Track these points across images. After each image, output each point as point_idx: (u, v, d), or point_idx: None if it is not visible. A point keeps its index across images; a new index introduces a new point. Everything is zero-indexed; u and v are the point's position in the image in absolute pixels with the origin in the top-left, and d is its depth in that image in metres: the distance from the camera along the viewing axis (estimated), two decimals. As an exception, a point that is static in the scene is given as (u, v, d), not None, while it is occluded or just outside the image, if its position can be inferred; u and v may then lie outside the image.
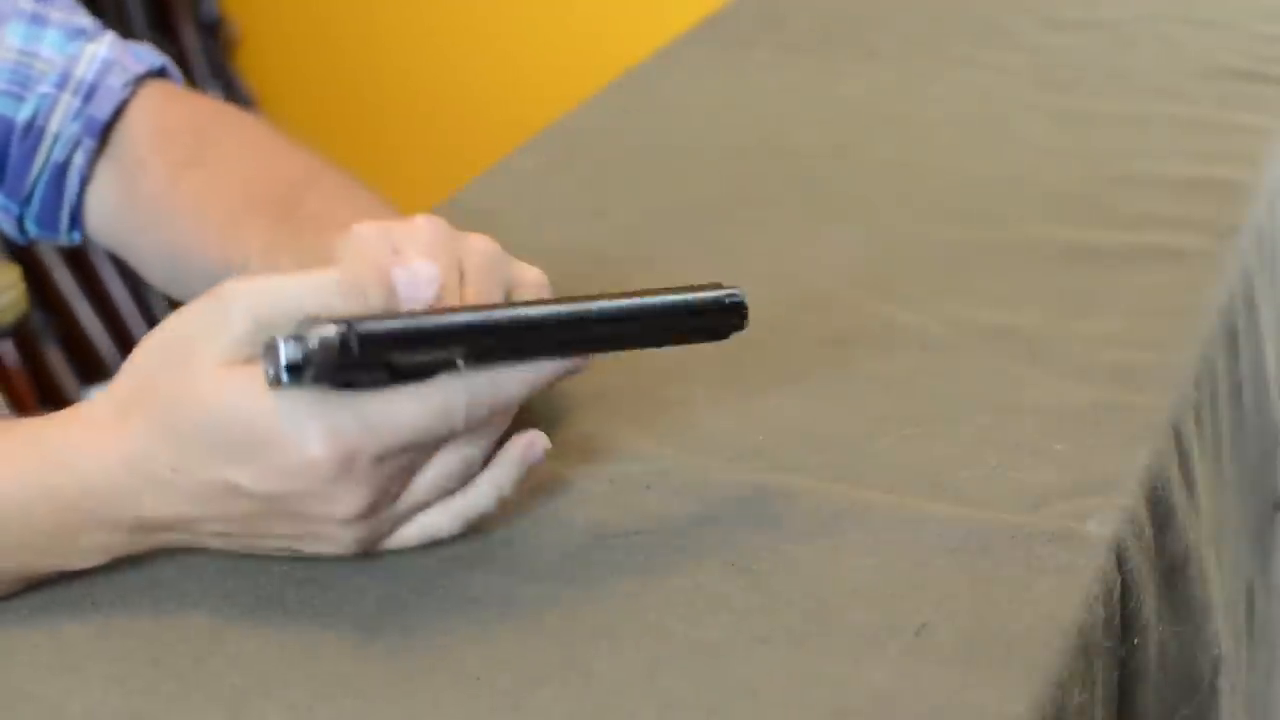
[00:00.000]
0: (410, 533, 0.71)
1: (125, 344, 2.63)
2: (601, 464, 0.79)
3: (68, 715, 0.64)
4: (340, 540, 0.69)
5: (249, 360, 0.65)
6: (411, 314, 0.68)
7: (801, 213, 1.12)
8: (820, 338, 0.93)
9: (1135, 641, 0.76)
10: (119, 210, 0.98)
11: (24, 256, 2.49)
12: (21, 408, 2.39)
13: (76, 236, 0.99)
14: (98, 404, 0.69)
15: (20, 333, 2.43)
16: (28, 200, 0.97)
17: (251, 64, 2.93)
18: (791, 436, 0.82)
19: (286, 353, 0.63)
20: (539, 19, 2.74)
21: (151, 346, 0.68)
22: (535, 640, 0.67)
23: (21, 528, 0.68)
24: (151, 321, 2.66)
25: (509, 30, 2.76)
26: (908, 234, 1.07)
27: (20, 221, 0.99)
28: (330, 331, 0.63)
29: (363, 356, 0.64)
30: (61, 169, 0.96)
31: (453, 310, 0.69)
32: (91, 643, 0.68)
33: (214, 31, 2.85)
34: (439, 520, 0.71)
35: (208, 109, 1.01)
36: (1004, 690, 0.64)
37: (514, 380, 0.69)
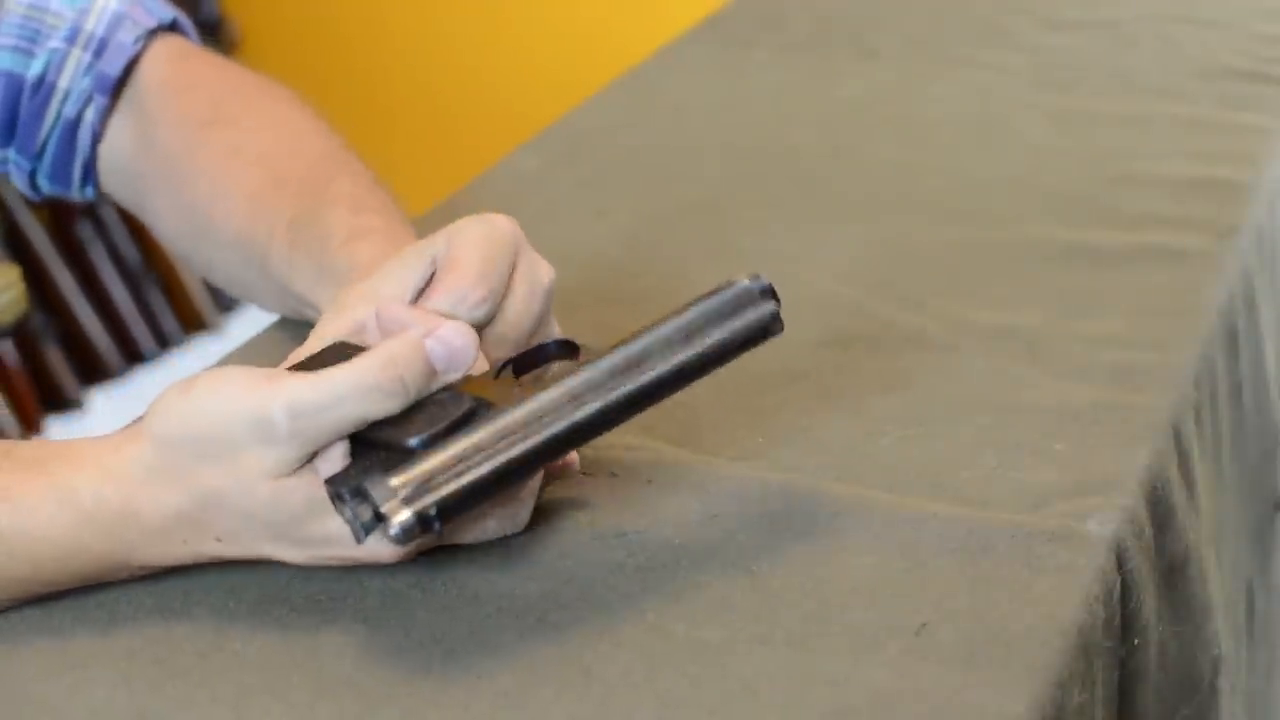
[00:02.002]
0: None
1: (125, 344, 2.63)
2: (602, 463, 0.79)
3: (72, 714, 0.64)
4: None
5: (295, 471, 0.67)
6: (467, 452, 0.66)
7: (801, 213, 1.12)
8: (820, 338, 0.93)
9: (1135, 641, 0.76)
10: (134, 166, 0.97)
11: (24, 257, 2.49)
12: (21, 408, 2.39)
13: (90, 192, 0.99)
14: (131, 463, 0.68)
15: (20, 333, 2.43)
16: (39, 155, 0.97)
17: (251, 64, 2.92)
18: (791, 436, 0.82)
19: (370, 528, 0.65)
20: (540, 19, 2.74)
21: (188, 430, 0.67)
22: (536, 640, 0.67)
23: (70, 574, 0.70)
24: (152, 322, 2.66)
25: (509, 30, 2.76)
26: (908, 234, 1.07)
27: (33, 177, 0.98)
28: (408, 517, 0.64)
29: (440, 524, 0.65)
30: (73, 125, 0.96)
31: (506, 435, 0.67)
32: (96, 641, 0.68)
33: (214, 31, 2.85)
34: None
35: (222, 67, 1.00)
36: (1004, 690, 0.64)
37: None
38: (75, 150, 0.96)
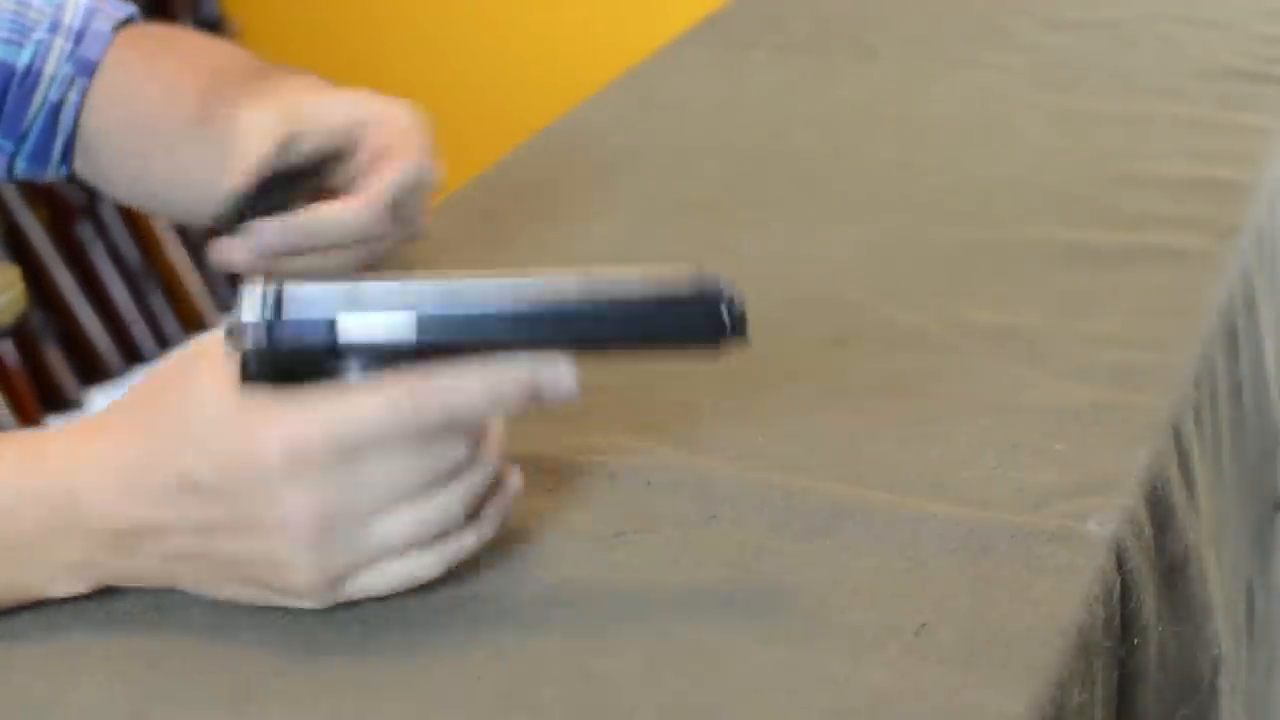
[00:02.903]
0: (381, 581, 0.67)
1: (125, 344, 2.63)
2: (601, 463, 0.79)
3: (69, 713, 0.64)
4: (297, 565, 0.66)
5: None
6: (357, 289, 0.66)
7: (801, 213, 1.12)
8: (820, 338, 0.93)
9: (1135, 641, 0.76)
10: (89, 112, 1.04)
11: (24, 257, 2.49)
12: (21, 408, 2.39)
13: (64, 170, 1.05)
14: (100, 412, 0.70)
15: (20, 333, 2.43)
16: (23, 138, 1.03)
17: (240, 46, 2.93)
18: (791, 436, 0.82)
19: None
20: (539, 19, 2.74)
21: (160, 367, 0.69)
22: (535, 640, 0.67)
23: (4, 533, 0.68)
24: (153, 322, 2.66)
25: (509, 30, 2.76)
26: (908, 234, 1.07)
27: (11, 160, 1.04)
28: (249, 336, 0.64)
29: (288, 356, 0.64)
30: (56, 107, 1.03)
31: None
32: (93, 640, 0.68)
33: (214, 31, 2.85)
34: (415, 568, 0.67)
35: (181, 30, 1.12)
36: (1004, 690, 0.64)
37: (473, 384, 0.65)
38: (57, 130, 1.04)
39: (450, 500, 0.67)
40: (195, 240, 2.77)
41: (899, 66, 1.41)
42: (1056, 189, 1.14)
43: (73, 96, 1.03)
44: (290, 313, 0.65)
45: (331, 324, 0.65)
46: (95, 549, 0.67)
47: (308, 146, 0.92)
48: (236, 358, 0.65)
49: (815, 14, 1.56)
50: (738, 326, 0.67)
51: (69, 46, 1.02)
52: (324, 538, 0.65)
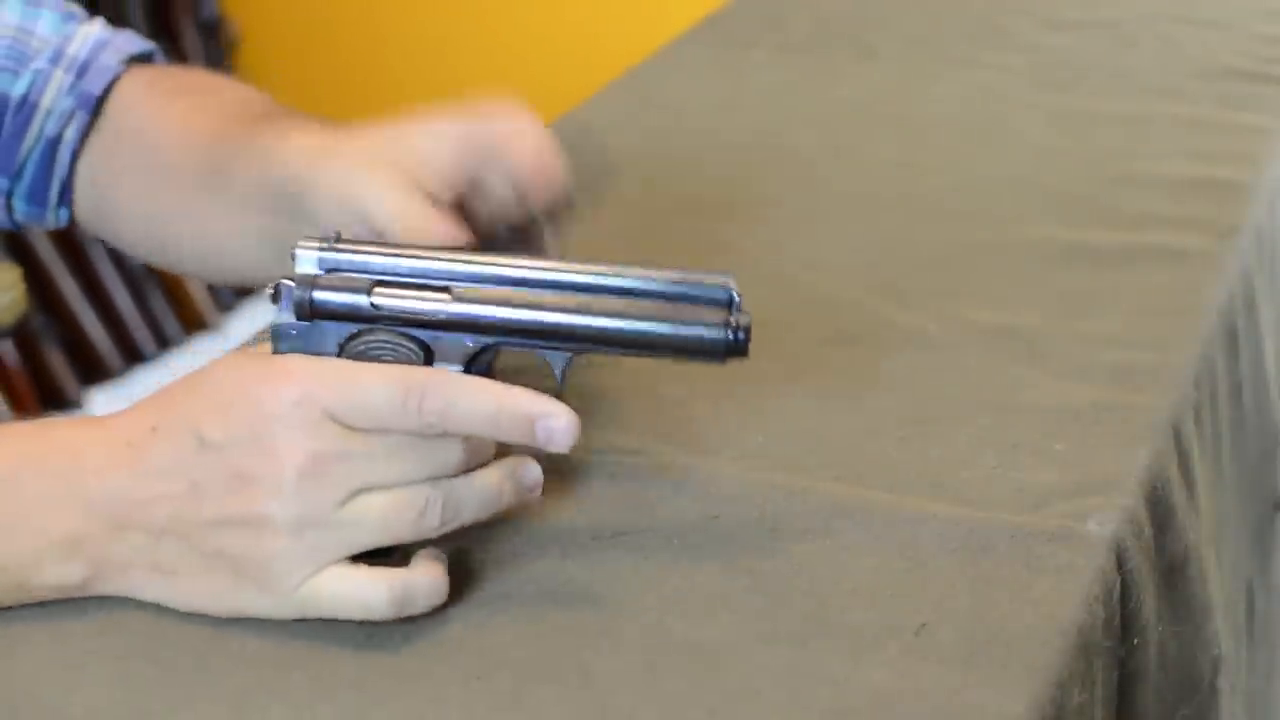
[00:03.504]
0: (337, 585, 0.67)
1: (125, 344, 2.63)
2: (601, 463, 0.79)
3: (70, 713, 0.64)
4: (273, 521, 0.66)
5: None
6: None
7: (801, 213, 1.12)
8: (820, 338, 0.93)
9: (1135, 641, 0.76)
10: (98, 165, 0.97)
11: (24, 257, 2.49)
12: (21, 408, 2.39)
13: (64, 215, 0.99)
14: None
15: (20, 333, 2.43)
16: (19, 175, 0.98)
17: (251, 64, 2.93)
18: (791, 436, 0.82)
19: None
20: (539, 19, 2.74)
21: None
22: (535, 640, 0.67)
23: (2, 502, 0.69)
24: (152, 322, 2.66)
25: (509, 30, 2.76)
26: (908, 234, 1.07)
27: (9, 199, 0.99)
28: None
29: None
30: (53, 144, 0.97)
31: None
32: (94, 640, 0.68)
33: (214, 31, 2.85)
34: (367, 583, 0.67)
35: (198, 69, 1.02)
36: (1004, 690, 0.64)
37: (483, 403, 0.67)
38: (54, 169, 0.97)
39: (430, 501, 0.67)
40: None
41: (899, 66, 1.41)
42: (1056, 189, 1.14)
43: (70, 133, 0.96)
44: (335, 274, 0.70)
45: (369, 287, 0.70)
46: (88, 522, 0.68)
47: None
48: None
49: (815, 14, 1.56)
50: (743, 347, 0.71)
51: (70, 79, 0.96)
52: (305, 486, 0.66)
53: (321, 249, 0.71)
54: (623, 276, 0.70)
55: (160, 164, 0.93)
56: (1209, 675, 0.87)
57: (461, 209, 0.81)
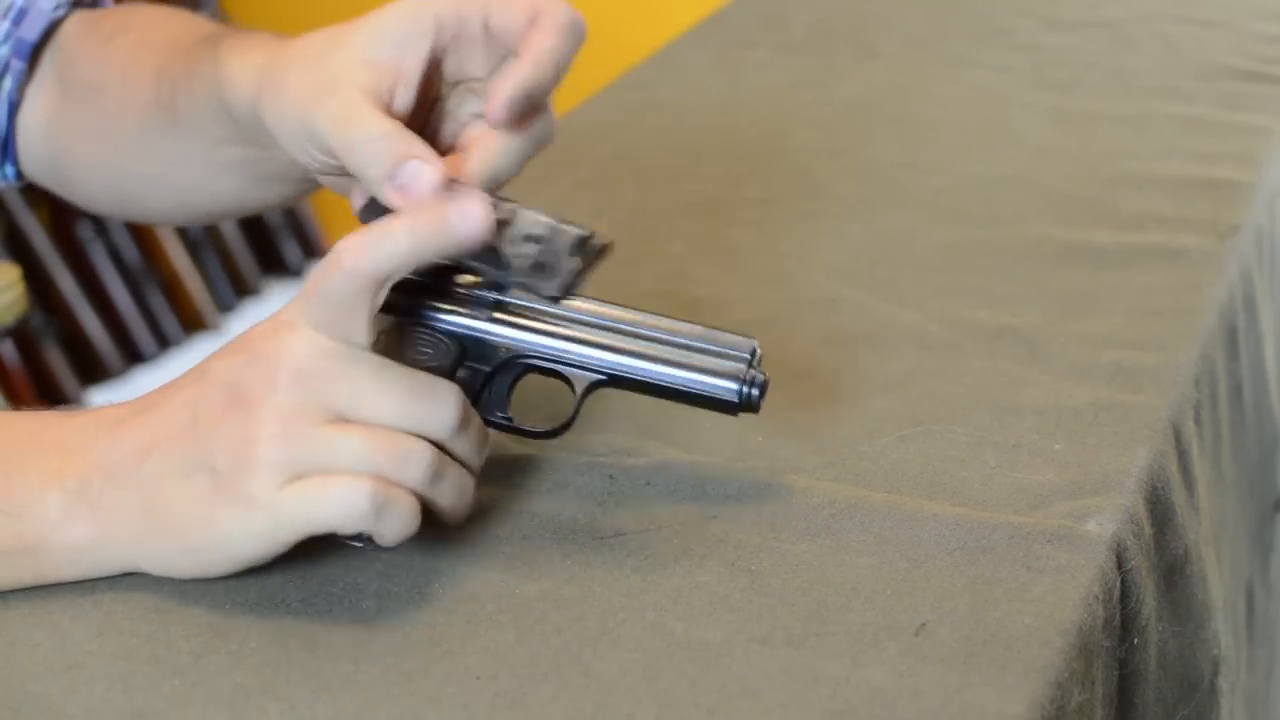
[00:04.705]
0: (318, 493, 0.67)
1: (125, 344, 2.63)
2: (601, 463, 0.79)
3: (69, 713, 0.64)
4: (258, 427, 0.66)
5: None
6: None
7: (801, 213, 1.12)
8: (820, 338, 0.93)
9: (1135, 641, 0.76)
10: (50, 120, 0.94)
11: (24, 257, 2.49)
12: (21, 408, 2.39)
13: (10, 173, 0.96)
14: None
15: (20, 333, 2.43)
16: None
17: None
18: (791, 436, 0.82)
19: None
20: (539, 19, 2.73)
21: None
22: (535, 640, 0.67)
23: None
24: (152, 322, 2.66)
25: (509, 30, 2.76)
26: (908, 234, 1.07)
27: None
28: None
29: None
30: None
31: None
32: (92, 640, 0.68)
33: (214, 31, 2.85)
34: (351, 493, 0.67)
35: (140, 5, 0.97)
36: (1004, 690, 0.64)
37: (392, 220, 0.68)
38: None
39: (415, 451, 0.68)
40: (195, 240, 2.77)
41: (899, 66, 1.41)
42: (1056, 189, 1.14)
43: (7, 84, 0.92)
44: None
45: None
46: (93, 468, 0.69)
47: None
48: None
49: (815, 14, 1.56)
50: (756, 404, 0.75)
51: (6, 27, 0.92)
52: (294, 391, 0.67)
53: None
54: (653, 326, 0.75)
55: (109, 110, 0.90)
56: (1209, 675, 0.87)
57: (430, 94, 0.76)
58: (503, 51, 0.74)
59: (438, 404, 0.69)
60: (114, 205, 0.96)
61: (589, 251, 0.71)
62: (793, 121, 1.29)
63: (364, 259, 0.67)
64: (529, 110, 0.73)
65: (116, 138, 0.90)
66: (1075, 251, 1.03)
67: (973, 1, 1.57)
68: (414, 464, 0.68)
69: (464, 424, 0.69)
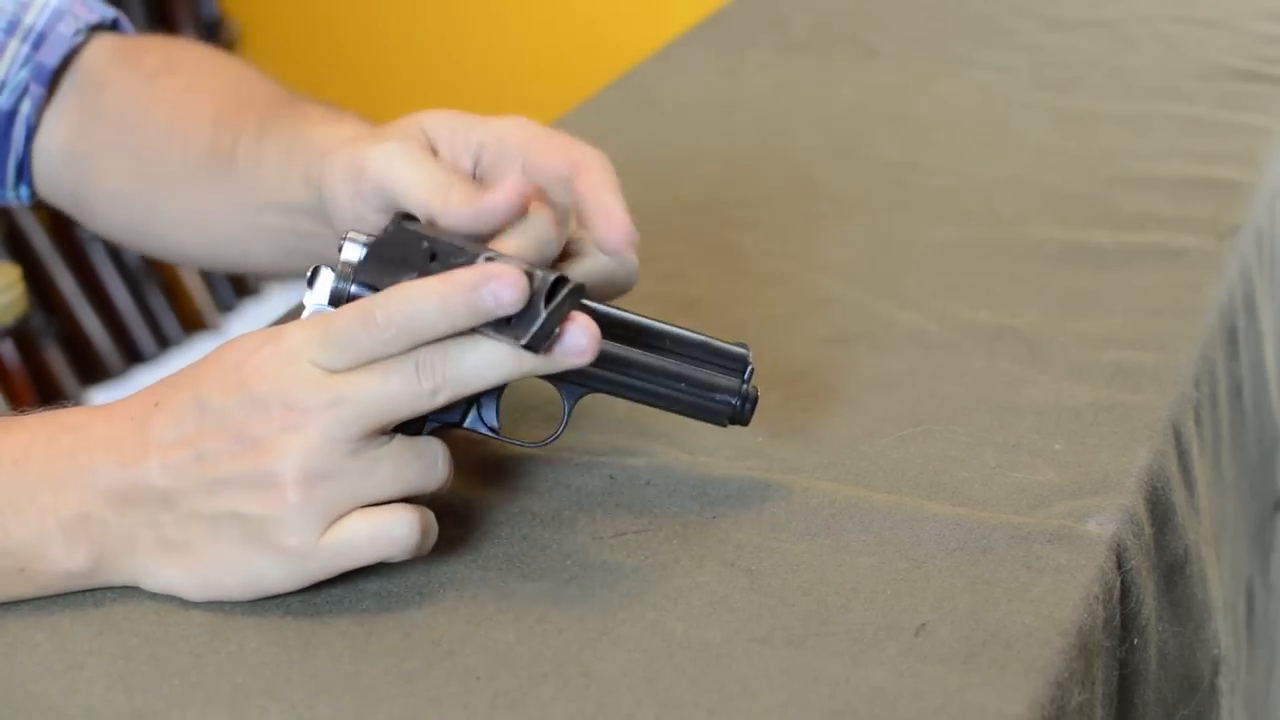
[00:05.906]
0: (361, 528, 0.67)
1: (125, 344, 2.63)
2: (601, 463, 0.79)
3: (69, 713, 0.64)
4: (280, 480, 0.66)
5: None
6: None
7: (801, 213, 1.12)
8: (820, 338, 0.93)
9: (1135, 641, 0.76)
10: (76, 148, 0.94)
11: (24, 256, 2.49)
12: (21, 407, 2.39)
13: (25, 194, 0.97)
14: None
15: (20, 333, 2.43)
16: None
17: (251, 63, 2.93)
18: (791, 436, 0.82)
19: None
20: (539, 19, 2.74)
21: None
22: (535, 640, 0.67)
23: (6, 483, 0.69)
24: (152, 322, 2.66)
25: (509, 30, 2.76)
26: (908, 234, 1.07)
27: None
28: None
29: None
30: (8, 117, 0.94)
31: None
32: (92, 641, 0.68)
33: (214, 31, 2.85)
34: (391, 521, 0.68)
35: (171, 38, 0.99)
36: (1004, 690, 0.64)
37: (422, 285, 0.67)
38: (9, 145, 0.95)
39: (429, 452, 0.69)
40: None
41: (899, 66, 1.41)
42: (1056, 189, 1.14)
43: (25, 108, 0.93)
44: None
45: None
46: (94, 501, 0.68)
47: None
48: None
49: (815, 14, 1.56)
50: (746, 417, 0.75)
51: (26, 50, 0.93)
52: (310, 437, 0.66)
53: (368, 242, 0.71)
54: (644, 339, 0.73)
55: (151, 147, 0.91)
56: (1209, 675, 0.87)
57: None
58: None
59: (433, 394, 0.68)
60: (137, 239, 0.97)
61: (563, 301, 0.69)
62: (793, 121, 1.29)
63: (393, 322, 0.66)
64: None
65: (156, 175, 0.91)
66: (1075, 251, 1.03)
67: (973, 1, 1.57)
68: (437, 467, 0.69)
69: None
